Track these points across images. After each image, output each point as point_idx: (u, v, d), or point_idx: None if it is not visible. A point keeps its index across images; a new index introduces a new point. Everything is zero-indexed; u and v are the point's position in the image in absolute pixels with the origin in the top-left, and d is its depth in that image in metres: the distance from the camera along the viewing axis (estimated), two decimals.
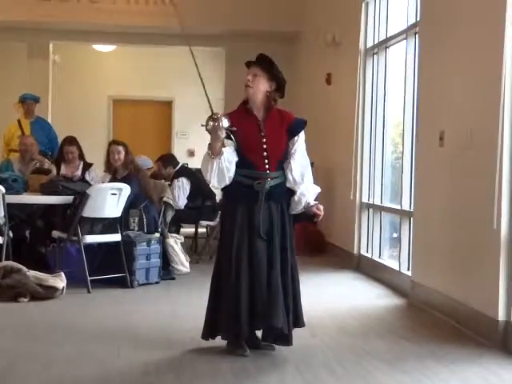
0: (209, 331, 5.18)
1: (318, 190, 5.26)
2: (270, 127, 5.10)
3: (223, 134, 4.97)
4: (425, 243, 6.97)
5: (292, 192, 5.15)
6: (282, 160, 5.12)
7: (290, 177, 5.12)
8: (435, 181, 6.79)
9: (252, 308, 4.95)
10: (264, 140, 5.06)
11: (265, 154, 5.05)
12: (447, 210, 6.50)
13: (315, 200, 5.21)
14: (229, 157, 5.00)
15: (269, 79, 5.13)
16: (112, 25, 12.31)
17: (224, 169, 4.98)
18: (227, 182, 5.04)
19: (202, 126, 5.15)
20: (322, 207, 5.18)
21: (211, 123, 5.01)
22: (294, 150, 5.14)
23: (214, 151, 4.98)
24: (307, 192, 5.15)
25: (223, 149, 4.98)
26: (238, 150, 5.05)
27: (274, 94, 5.15)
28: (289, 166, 5.12)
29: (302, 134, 5.19)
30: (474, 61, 6.04)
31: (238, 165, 5.06)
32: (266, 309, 4.92)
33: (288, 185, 5.13)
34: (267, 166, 5.05)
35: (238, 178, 5.06)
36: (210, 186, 5.23)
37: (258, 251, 4.99)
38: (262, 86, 5.13)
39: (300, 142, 5.18)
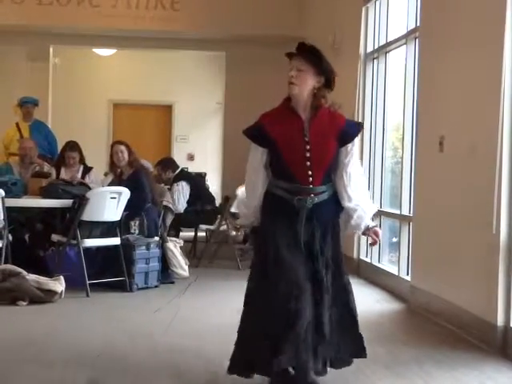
0: (241, 368, 4.37)
1: (375, 209, 4.48)
2: (315, 130, 4.23)
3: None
4: (424, 248, 6.96)
5: (340, 207, 4.36)
6: (328, 172, 4.28)
7: (343, 193, 4.30)
8: (435, 185, 6.79)
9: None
10: (307, 147, 4.19)
11: (308, 163, 4.19)
12: (446, 215, 6.50)
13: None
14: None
15: (316, 73, 4.25)
16: (112, 29, 12.32)
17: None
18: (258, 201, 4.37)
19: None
20: (379, 231, 4.43)
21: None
22: (347, 161, 4.28)
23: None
24: (364, 214, 4.33)
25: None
26: (276, 156, 4.25)
27: (322, 90, 4.28)
28: (342, 180, 4.29)
29: (356, 141, 4.33)
30: (474, 66, 6.04)
31: (277, 174, 4.29)
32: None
33: (342, 202, 4.31)
34: (310, 179, 4.22)
35: (275, 191, 4.28)
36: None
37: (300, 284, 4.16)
38: (308, 83, 4.25)
39: (354, 151, 4.31)
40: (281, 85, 14.96)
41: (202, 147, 15.52)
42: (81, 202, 7.45)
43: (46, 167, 9.39)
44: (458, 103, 6.35)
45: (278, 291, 4.11)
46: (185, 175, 10.32)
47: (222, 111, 13.84)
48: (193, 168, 13.97)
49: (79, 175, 9.07)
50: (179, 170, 10.30)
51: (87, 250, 7.55)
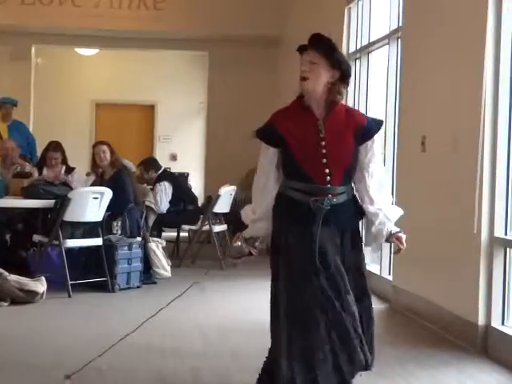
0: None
1: (400, 212, 4.08)
2: (331, 127, 3.91)
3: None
4: (406, 248, 6.96)
5: (360, 213, 4.03)
6: (348, 171, 3.94)
7: (364, 196, 3.98)
8: (416, 185, 6.81)
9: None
10: (323, 143, 3.88)
11: (324, 161, 3.87)
12: (428, 215, 6.52)
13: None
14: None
15: (330, 67, 3.92)
16: (95, 28, 12.29)
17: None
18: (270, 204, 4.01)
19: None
20: (403, 237, 4.03)
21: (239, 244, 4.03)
22: (368, 160, 3.95)
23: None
24: (387, 219, 3.97)
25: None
26: (288, 155, 3.93)
27: (338, 85, 3.95)
28: (363, 181, 3.97)
29: (376, 139, 4.01)
30: (456, 66, 6.07)
31: (289, 174, 3.96)
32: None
33: (363, 206, 3.99)
34: (328, 178, 3.87)
35: (290, 193, 3.93)
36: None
37: (314, 294, 3.82)
38: (322, 77, 3.92)
39: (375, 149, 3.99)
40: (263, 84, 15.03)
41: (184, 147, 15.50)
42: (63, 202, 7.42)
43: (28, 167, 9.35)
44: (439, 103, 6.37)
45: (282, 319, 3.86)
46: (167, 175, 10.30)
47: (205, 111, 13.83)
48: (175, 168, 13.93)
49: (61, 176, 9.03)
50: (162, 170, 10.27)
51: (69, 250, 7.52)
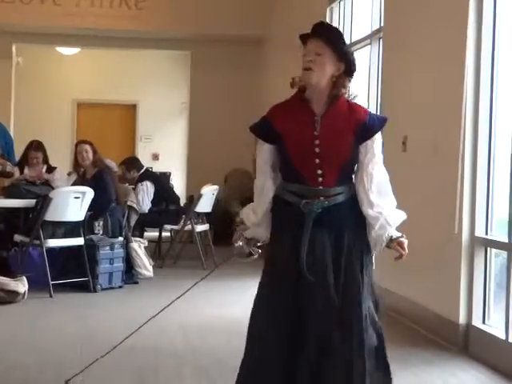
0: None
1: (403, 217, 3.83)
2: (328, 123, 3.58)
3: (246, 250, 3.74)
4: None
5: (361, 216, 3.65)
6: (345, 171, 3.62)
7: (363, 198, 3.62)
8: (398, 185, 6.79)
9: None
10: (317, 141, 3.55)
11: (317, 160, 3.55)
12: (409, 215, 6.52)
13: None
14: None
15: (336, 59, 3.59)
16: (76, 27, 12.25)
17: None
18: (267, 205, 3.69)
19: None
20: (406, 243, 3.75)
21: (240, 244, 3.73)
22: (367, 160, 3.62)
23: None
24: (387, 223, 3.69)
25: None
26: (283, 153, 3.61)
27: (342, 78, 3.64)
28: (362, 182, 3.63)
29: (378, 137, 3.69)
30: (437, 66, 6.10)
31: (285, 175, 3.65)
32: None
33: (362, 209, 3.63)
34: (320, 179, 3.56)
35: (285, 195, 3.62)
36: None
37: (304, 308, 3.47)
38: (328, 69, 3.57)
39: (375, 149, 3.67)
40: (246, 84, 15.01)
41: (166, 147, 15.48)
42: (44, 201, 7.40)
43: (9, 167, 9.29)
44: (421, 103, 6.40)
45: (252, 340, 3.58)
46: (149, 175, 10.29)
47: (187, 111, 13.82)
48: (157, 168, 13.92)
49: (42, 175, 8.99)
50: (144, 169, 10.26)
51: (50, 250, 7.49)
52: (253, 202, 3.80)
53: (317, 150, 3.54)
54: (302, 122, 3.58)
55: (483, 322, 5.52)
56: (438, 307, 5.86)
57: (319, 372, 3.43)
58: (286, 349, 3.44)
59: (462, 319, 5.55)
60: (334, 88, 3.60)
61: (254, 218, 3.71)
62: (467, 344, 5.49)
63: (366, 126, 3.62)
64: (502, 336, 5.13)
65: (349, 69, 3.65)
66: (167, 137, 15.48)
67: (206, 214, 9.97)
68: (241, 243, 3.69)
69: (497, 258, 5.57)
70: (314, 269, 3.46)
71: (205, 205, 9.75)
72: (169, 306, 4.36)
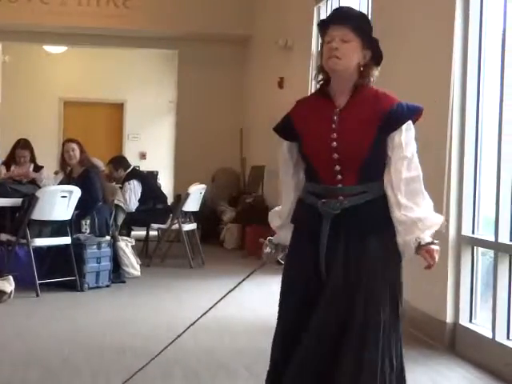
0: None
1: (439, 220, 3.38)
2: (348, 116, 3.24)
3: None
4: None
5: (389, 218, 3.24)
6: (368, 167, 3.22)
7: (391, 198, 3.21)
8: None
9: None
10: (334, 135, 3.21)
11: (335, 156, 3.20)
12: None
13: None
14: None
15: (363, 46, 3.29)
16: (63, 26, 12.22)
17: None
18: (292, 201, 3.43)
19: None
20: (435, 249, 3.31)
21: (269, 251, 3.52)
22: (394, 155, 3.23)
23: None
24: (416, 228, 3.25)
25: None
26: (304, 152, 3.32)
27: (369, 67, 3.36)
28: (389, 180, 3.22)
29: (407, 128, 3.31)
30: (425, 64, 6.11)
31: (307, 175, 3.37)
32: None
33: (390, 209, 3.22)
34: (339, 177, 3.21)
35: (305, 196, 3.32)
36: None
37: (318, 315, 3.20)
38: (354, 58, 3.27)
39: (403, 142, 3.26)
40: (233, 83, 15.02)
41: (153, 146, 15.46)
42: (30, 200, 7.37)
43: None
44: (408, 100, 6.40)
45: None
46: (136, 174, 10.27)
47: (175, 109, 13.81)
48: (145, 166, 13.91)
49: (29, 174, 8.96)
50: (131, 168, 10.25)
51: (37, 249, 7.47)
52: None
53: (334, 144, 3.20)
54: (320, 115, 3.28)
55: (470, 320, 5.53)
56: (426, 306, 5.87)
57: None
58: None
59: (449, 318, 5.57)
60: (360, 77, 3.30)
61: (278, 220, 3.48)
62: (454, 342, 5.50)
63: (390, 115, 3.26)
64: (489, 335, 5.15)
65: (376, 57, 3.37)
66: (154, 135, 15.46)
67: (194, 213, 9.96)
68: (269, 249, 3.51)
69: (484, 256, 5.59)
70: (325, 290, 3.19)
71: (192, 204, 9.74)
72: (212, 307, 4.20)
